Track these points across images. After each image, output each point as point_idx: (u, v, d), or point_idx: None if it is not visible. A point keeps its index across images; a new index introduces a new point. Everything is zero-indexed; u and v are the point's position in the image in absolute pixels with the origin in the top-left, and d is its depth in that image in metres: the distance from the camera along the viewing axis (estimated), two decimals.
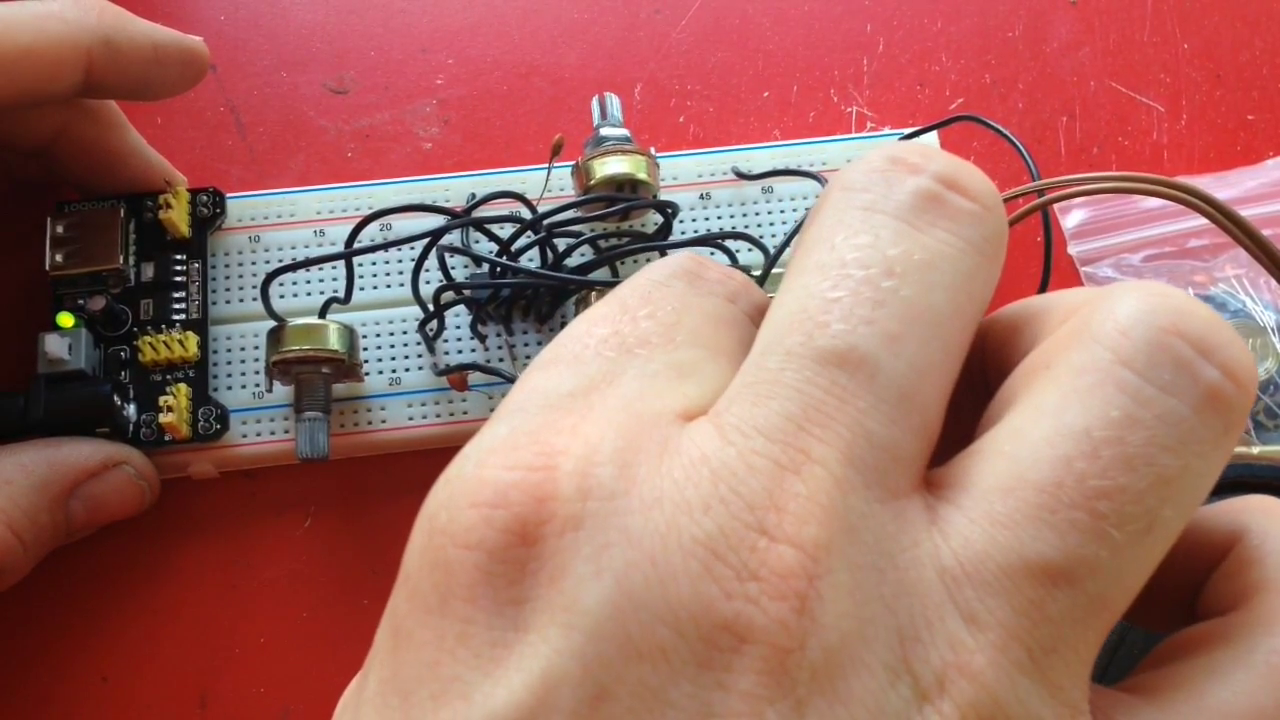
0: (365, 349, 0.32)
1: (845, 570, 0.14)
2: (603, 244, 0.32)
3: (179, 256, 0.32)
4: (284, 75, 0.37)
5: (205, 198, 0.33)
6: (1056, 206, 0.36)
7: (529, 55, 0.38)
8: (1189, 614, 0.17)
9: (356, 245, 0.30)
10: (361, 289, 0.32)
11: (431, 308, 0.31)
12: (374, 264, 0.33)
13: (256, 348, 0.32)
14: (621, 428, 0.15)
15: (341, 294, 0.31)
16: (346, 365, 0.30)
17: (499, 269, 0.31)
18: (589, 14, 0.39)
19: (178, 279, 0.32)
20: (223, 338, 0.32)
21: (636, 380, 0.16)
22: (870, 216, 0.16)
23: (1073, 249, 0.36)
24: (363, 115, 0.37)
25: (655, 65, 0.38)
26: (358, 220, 0.30)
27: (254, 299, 0.32)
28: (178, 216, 0.32)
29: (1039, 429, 0.15)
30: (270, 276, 0.30)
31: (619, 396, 0.16)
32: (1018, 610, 0.14)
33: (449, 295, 0.31)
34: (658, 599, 0.13)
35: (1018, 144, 0.32)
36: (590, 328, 0.17)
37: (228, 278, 0.33)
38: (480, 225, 0.31)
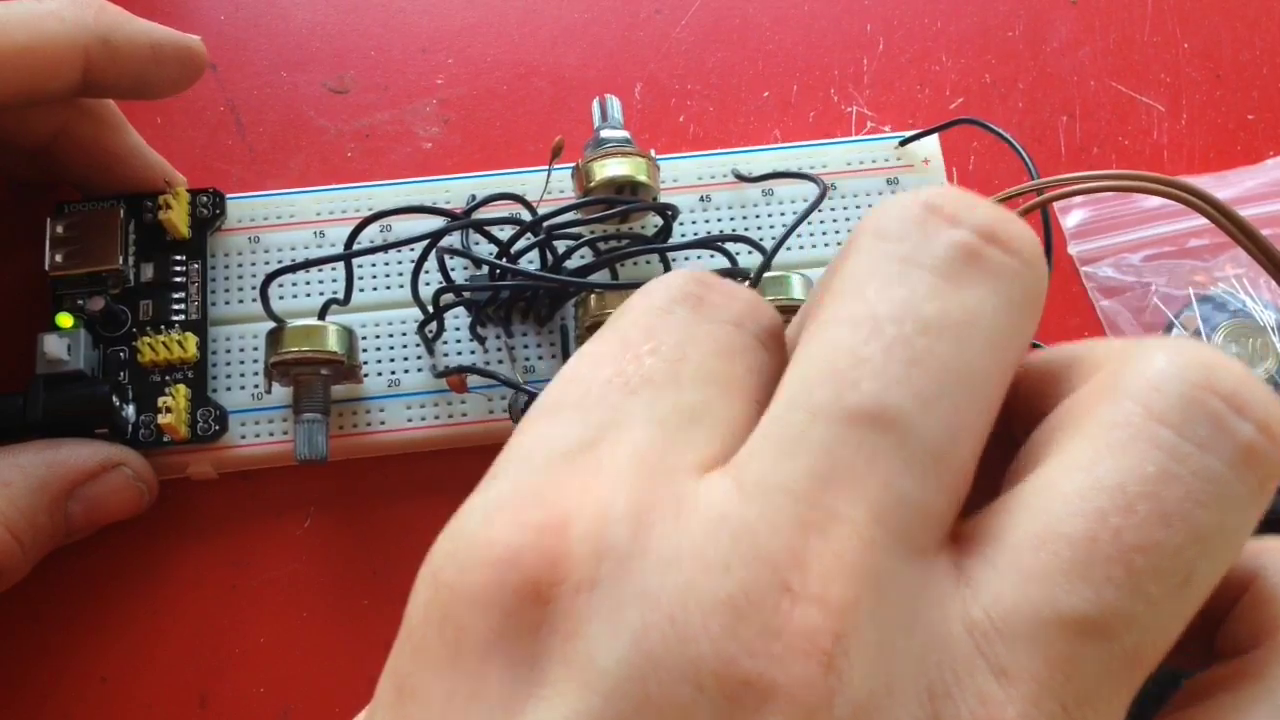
0: (364, 350, 0.32)
1: (872, 628, 0.14)
2: (602, 246, 0.32)
3: (178, 257, 0.32)
4: (284, 75, 0.37)
5: (205, 198, 0.33)
6: (1056, 206, 0.36)
7: (529, 55, 0.38)
8: (1207, 652, 0.17)
9: (356, 247, 0.31)
10: (361, 290, 0.32)
11: (431, 309, 0.31)
12: (373, 265, 0.33)
13: (256, 349, 0.32)
14: (634, 486, 0.15)
15: (341, 295, 0.31)
16: (345, 367, 0.30)
17: (498, 271, 0.31)
18: (589, 14, 0.39)
19: (177, 279, 0.32)
20: (222, 339, 0.32)
21: (645, 428, 0.16)
22: (907, 269, 0.16)
23: (1073, 249, 0.36)
24: (362, 115, 0.37)
25: (655, 65, 0.38)
26: (357, 221, 0.30)
27: (253, 300, 0.32)
28: (177, 217, 0.32)
29: (1071, 483, 0.15)
30: (269, 277, 0.30)
31: (629, 448, 0.15)
32: (1050, 663, 0.14)
33: (448, 297, 0.31)
34: (678, 657, 0.13)
35: (1017, 146, 0.32)
36: (594, 369, 0.17)
37: (227, 279, 0.33)
38: (480, 227, 0.31)
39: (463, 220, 0.31)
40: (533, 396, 0.29)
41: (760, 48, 0.38)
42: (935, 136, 0.35)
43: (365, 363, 0.32)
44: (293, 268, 0.31)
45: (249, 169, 0.36)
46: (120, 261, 0.31)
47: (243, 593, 0.31)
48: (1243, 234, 0.25)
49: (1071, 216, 0.36)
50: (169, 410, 0.30)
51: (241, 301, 0.32)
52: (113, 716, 0.30)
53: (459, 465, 0.32)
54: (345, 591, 0.31)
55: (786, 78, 0.38)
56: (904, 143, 0.35)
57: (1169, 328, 0.34)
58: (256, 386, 0.31)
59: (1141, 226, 0.36)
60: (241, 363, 0.32)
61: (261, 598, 0.31)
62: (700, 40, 0.38)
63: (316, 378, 0.30)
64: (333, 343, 0.30)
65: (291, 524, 0.32)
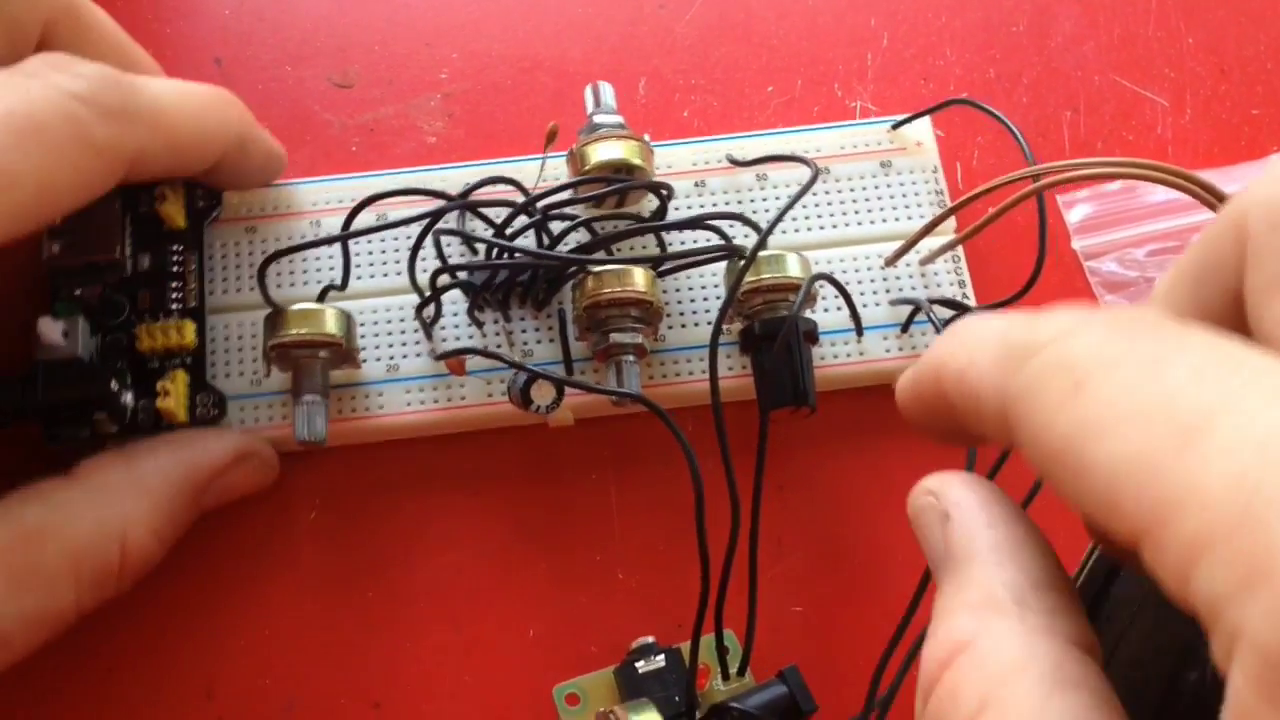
0: (363, 335, 0.32)
1: None
2: (598, 228, 0.31)
3: (176, 247, 0.32)
4: (288, 69, 0.37)
5: (201, 189, 0.33)
6: (1060, 200, 0.36)
7: (533, 49, 0.38)
8: None
9: (352, 229, 0.30)
10: (359, 277, 0.32)
11: (428, 292, 0.31)
12: (370, 252, 0.33)
13: (254, 335, 0.32)
14: None
15: (338, 281, 0.31)
16: (344, 350, 0.30)
17: (494, 251, 0.31)
18: (593, 7, 0.39)
19: (175, 269, 0.32)
20: (220, 326, 0.32)
21: None
22: None
23: (1076, 243, 0.36)
24: (367, 109, 0.37)
25: (659, 59, 0.38)
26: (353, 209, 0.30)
27: (251, 289, 0.32)
28: (174, 208, 0.32)
29: None
30: (266, 261, 0.30)
31: None
32: None
33: (445, 279, 0.31)
34: None
35: (1014, 129, 0.32)
36: None
37: (225, 269, 0.33)
38: (475, 209, 0.31)
39: (458, 201, 0.31)
40: (533, 376, 0.28)
41: (764, 42, 0.38)
42: (927, 119, 0.35)
43: (364, 348, 0.32)
44: (289, 250, 0.31)
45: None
46: (118, 252, 0.31)
47: (249, 584, 0.31)
48: None
49: (1075, 211, 0.36)
50: (167, 394, 0.30)
51: (240, 290, 0.32)
52: (119, 708, 0.30)
53: (463, 456, 0.32)
54: (351, 583, 0.31)
55: (790, 72, 0.38)
56: (896, 126, 0.35)
57: None
58: (255, 373, 0.32)
59: (1145, 221, 0.36)
60: (240, 350, 0.32)
61: (267, 589, 0.31)
62: (704, 34, 0.38)
63: (315, 360, 0.30)
64: (331, 325, 0.30)
65: (297, 515, 0.32)
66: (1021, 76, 0.38)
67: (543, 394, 0.29)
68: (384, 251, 0.33)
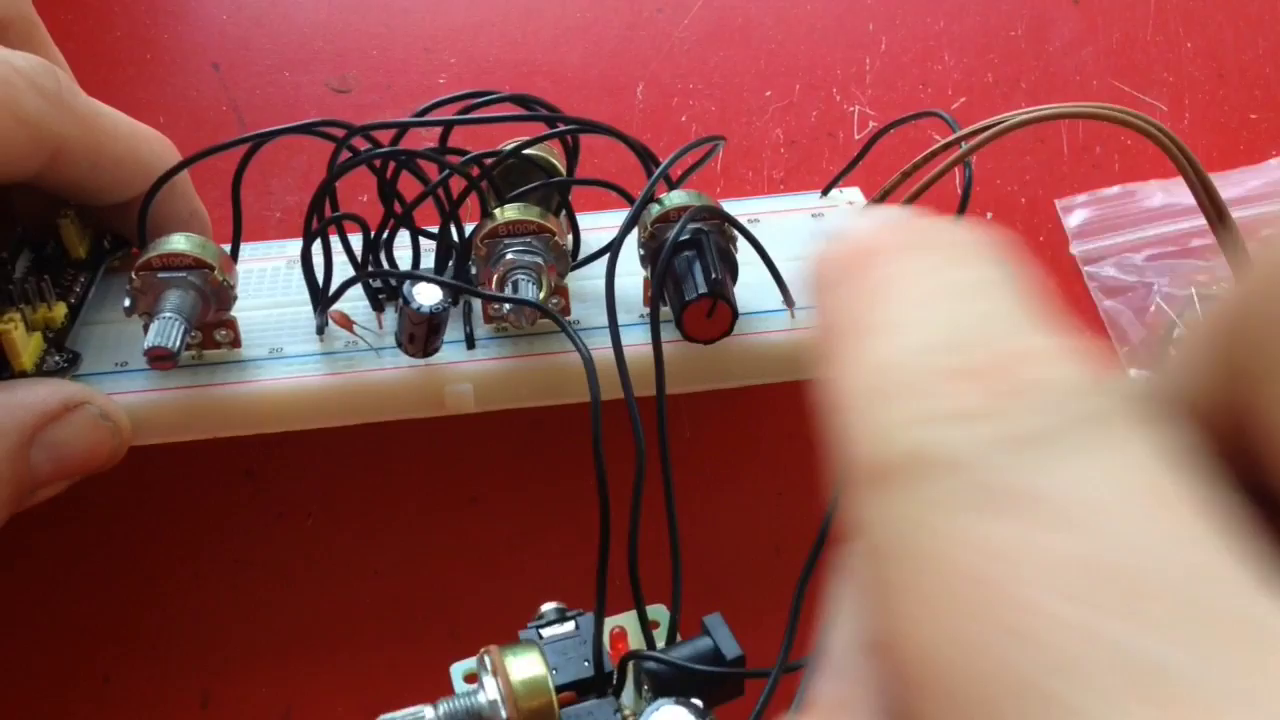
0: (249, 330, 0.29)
1: None
2: (488, 162, 0.29)
3: (71, 272, 0.30)
4: (286, 74, 0.37)
5: (112, 235, 0.30)
6: (1059, 205, 0.36)
7: (531, 54, 0.38)
8: None
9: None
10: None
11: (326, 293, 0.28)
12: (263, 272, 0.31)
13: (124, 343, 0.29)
14: None
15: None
16: (216, 280, 0.27)
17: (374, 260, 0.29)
18: (591, 13, 0.39)
19: (64, 284, 0.29)
20: (95, 332, 0.29)
21: None
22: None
23: (1075, 248, 0.36)
24: (365, 114, 0.37)
25: (657, 65, 0.38)
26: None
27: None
28: (74, 235, 0.29)
29: None
30: (154, 188, 0.28)
31: None
32: None
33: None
34: None
35: (945, 116, 0.29)
36: None
37: (111, 304, 0.30)
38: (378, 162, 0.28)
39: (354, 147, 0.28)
40: (415, 280, 0.27)
41: (762, 47, 0.38)
42: (857, 189, 0.33)
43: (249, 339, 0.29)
44: (180, 167, 0.28)
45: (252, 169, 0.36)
46: (5, 251, 0.28)
47: (244, 592, 0.31)
48: (1191, 169, 0.25)
49: (1074, 216, 0.36)
50: (14, 324, 0.27)
51: (121, 320, 0.29)
52: (115, 716, 0.30)
53: (459, 470, 0.32)
54: (346, 591, 0.31)
55: (789, 77, 0.38)
56: (825, 192, 0.33)
57: (1171, 328, 0.34)
58: (118, 363, 0.28)
59: (1144, 226, 0.36)
60: (112, 347, 0.29)
61: (263, 597, 0.31)
62: (702, 39, 0.38)
63: (183, 285, 0.27)
64: (201, 250, 0.27)
65: (293, 523, 0.32)
66: (1020, 81, 0.38)
67: (426, 294, 0.27)
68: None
